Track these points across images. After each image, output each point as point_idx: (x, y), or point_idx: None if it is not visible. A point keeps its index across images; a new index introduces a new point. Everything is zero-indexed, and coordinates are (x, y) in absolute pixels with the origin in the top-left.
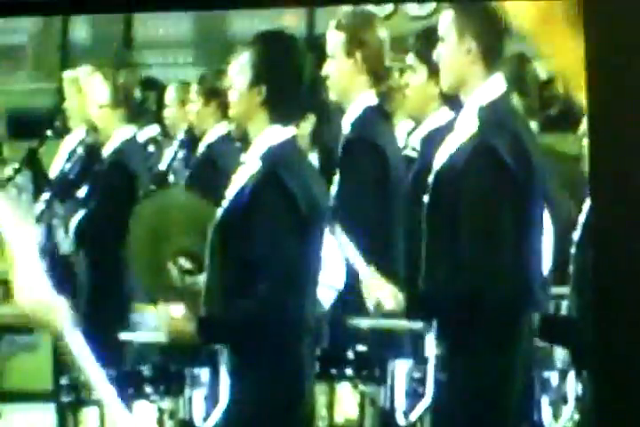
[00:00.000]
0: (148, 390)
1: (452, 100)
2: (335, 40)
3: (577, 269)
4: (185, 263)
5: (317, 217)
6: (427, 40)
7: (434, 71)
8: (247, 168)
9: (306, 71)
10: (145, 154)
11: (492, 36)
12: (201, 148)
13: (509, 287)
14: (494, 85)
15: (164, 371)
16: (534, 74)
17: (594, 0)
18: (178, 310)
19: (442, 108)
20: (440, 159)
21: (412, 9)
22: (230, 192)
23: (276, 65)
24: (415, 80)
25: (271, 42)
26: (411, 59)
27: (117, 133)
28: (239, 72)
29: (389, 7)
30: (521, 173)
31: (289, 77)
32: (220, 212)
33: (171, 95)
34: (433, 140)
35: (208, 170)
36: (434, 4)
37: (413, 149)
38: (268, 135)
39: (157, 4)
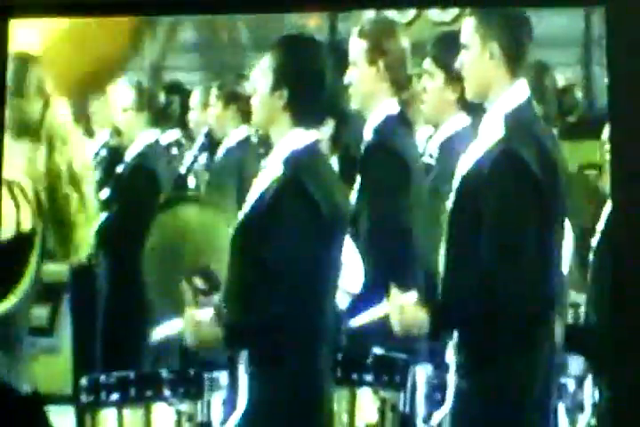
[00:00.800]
0: (167, 392)
1: (469, 106)
2: (357, 48)
3: (595, 276)
4: (200, 283)
5: (338, 222)
6: (444, 45)
7: (451, 77)
8: (269, 172)
9: (327, 75)
10: (168, 157)
11: (515, 42)
12: (220, 151)
13: (531, 295)
14: (518, 91)
15: (182, 374)
16: (553, 81)
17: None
18: (204, 315)
19: (459, 113)
20: (465, 165)
21: (435, 15)
22: (252, 196)
23: (297, 68)
24: (432, 85)
25: (292, 45)
26: (428, 64)
27: (141, 137)
28: (261, 76)
29: (412, 13)
30: (545, 180)
31: (310, 81)
32: (240, 215)
33: (195, 99)
34: (450, 146)
35: (227, 173)
36: (456, 10)
37: (430, 156)
38: (290, 139)
39: (173, 8)
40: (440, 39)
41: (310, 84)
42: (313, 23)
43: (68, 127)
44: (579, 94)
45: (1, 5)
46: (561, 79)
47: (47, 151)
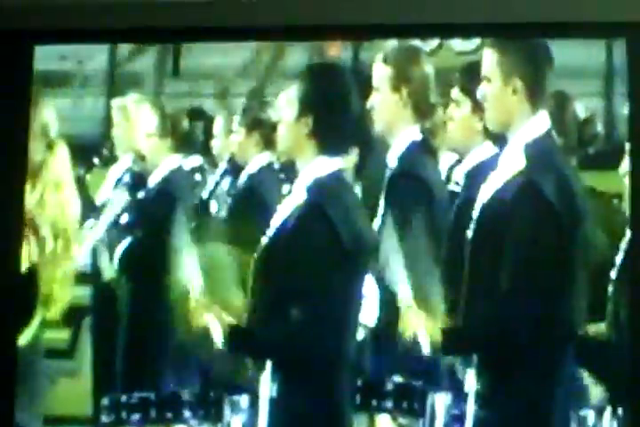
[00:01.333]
0: (187, 414)
1: (495, 136)
2: (381, 74)
3: (614, 308)
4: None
5: (361, 251)
6: (471, 74)
7: (477, 105)
8: (293, 199)
9: (352, 102)
10: (191, 183)
11: (536, 74)
12: (242, 177)
13: (550, 325)
14: (539, 123)
15: (203, 396)
16: (574, 112)
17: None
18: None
19: (485, 142)
20: (485, 195)
21: (458, 44)
22: (275, 222)
23: (323, 96)
24: (459, 114)
25: (317, 73)
26: (455, 93)
27: (164, 162)
28: (286, 105)
29: (435, 42)
30: (565, 212)
31: (335, 108)
32: (264, 240)
33: (219, 125)
34: (477, 175)
35: (249, 200)
36: (478, 40)
37: (457, 184)
38: (315, 167)
39: (203, 35)
40: (467, 68)
41: (335, 111)
42: (334, 52)
43: (65, 176)
44: (599, 126)
45: (26, 30)
46: (581, 110)
47: (40, 193)
